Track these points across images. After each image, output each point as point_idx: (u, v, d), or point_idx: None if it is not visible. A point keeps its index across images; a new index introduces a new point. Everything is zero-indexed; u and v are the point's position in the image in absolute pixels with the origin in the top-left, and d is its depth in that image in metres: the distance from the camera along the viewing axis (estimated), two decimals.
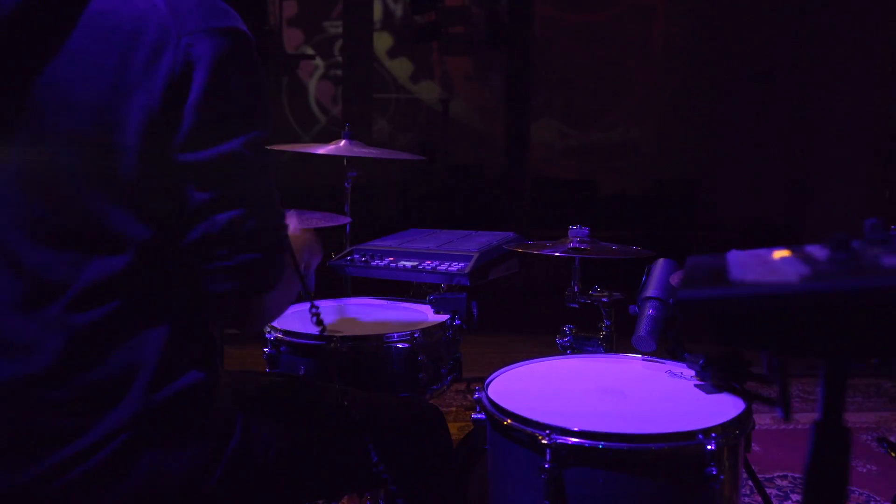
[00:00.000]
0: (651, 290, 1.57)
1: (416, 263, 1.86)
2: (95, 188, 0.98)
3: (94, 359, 0.98)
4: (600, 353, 1.76)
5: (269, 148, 1.06)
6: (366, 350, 1.60)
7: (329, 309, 1.89)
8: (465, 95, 8.10)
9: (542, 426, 1.15)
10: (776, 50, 6.96)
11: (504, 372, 1.46)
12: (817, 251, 0.59)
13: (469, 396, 3.26)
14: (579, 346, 1.86)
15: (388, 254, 1.92)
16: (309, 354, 1.60)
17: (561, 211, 6.93)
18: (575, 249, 1.78)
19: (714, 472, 1.10)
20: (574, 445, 1.13)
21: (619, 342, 1.84)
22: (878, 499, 2.63)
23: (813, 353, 0.52)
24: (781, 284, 0.50)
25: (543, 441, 1.13)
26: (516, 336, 4.37)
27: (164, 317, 1.01)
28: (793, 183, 6.88)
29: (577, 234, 1.83)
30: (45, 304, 0.97)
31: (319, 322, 1.16)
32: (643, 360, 1.54)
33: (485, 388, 1.35)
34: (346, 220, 2.11)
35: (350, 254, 1.95)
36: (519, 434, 1.19)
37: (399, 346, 1.59)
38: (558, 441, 1.13)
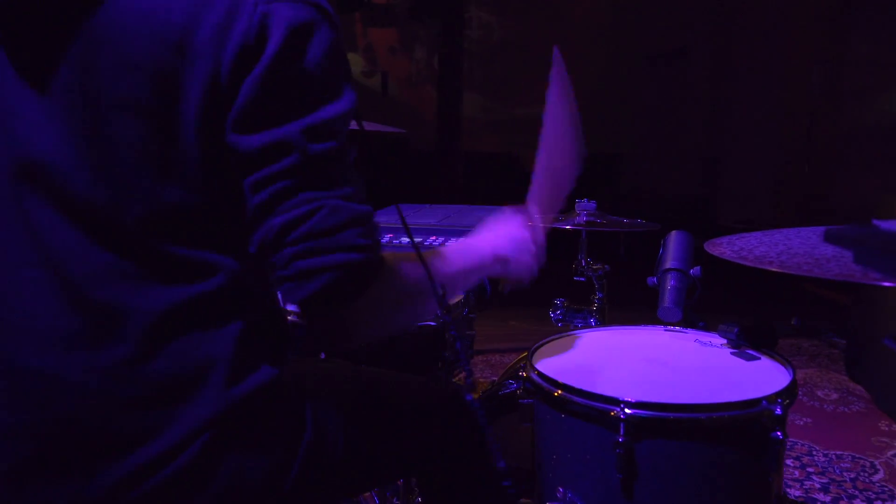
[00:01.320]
0: (670, 262, 1.59)
1: (420, 240, 1.81)
2: (157, 168, 0.86)
3: (170, 349, 0.89)
4: (592, 324, 1.79)
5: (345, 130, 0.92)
6: None
7: None
8: (388, 67, 7.98)
9: (613, 401, 1.14)
10: (694, 27, 7.23)
11: (538, 346, 1.44)
12: None
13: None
14: (570, 319, 1.88)
15: (387, 230, 1.86)
16: None
17: (486, 185, 6.96)
18: (587, 223, 1.79)
19: (780, 437, 1.14)
20: (648, 418, 1.13)
21: (610, 314, 1.88)
22: (818, 448, 2.82)
23: None
24: None
25: (616, 415, 1.13)
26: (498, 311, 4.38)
27: (237, 309, 0.93)
28: (706, 157, 7.22)
29: (584, 208, 1.84)
30: (117, 292, 0.87)
31: (444, 306, 1.01)
32: (665, 329, 1.56)
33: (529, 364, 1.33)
34: None
35: None
36: (585, 409, 1.18)
37: (424, 324, 1.55)
38: (632, 414, 1.13)
